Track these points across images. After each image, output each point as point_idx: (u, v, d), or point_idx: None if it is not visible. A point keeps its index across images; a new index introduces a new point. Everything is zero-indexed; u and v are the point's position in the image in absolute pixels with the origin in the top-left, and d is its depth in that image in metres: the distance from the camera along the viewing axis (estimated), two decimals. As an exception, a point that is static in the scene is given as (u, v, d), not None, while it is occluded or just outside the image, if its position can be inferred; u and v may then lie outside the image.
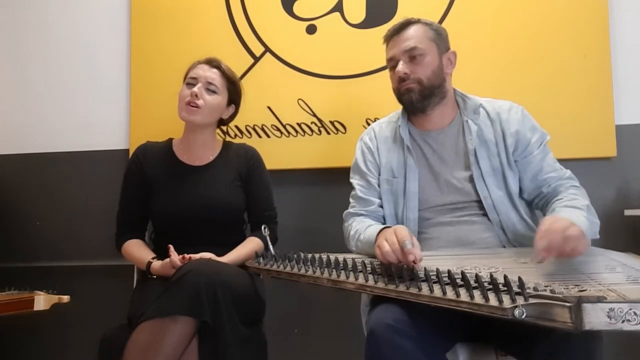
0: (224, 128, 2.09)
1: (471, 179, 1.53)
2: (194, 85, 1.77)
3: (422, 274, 1.10)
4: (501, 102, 1.62)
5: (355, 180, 1.68)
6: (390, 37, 1.61)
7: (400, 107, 1.68)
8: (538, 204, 1.56)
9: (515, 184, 1.54)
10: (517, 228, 1.50)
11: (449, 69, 1.61)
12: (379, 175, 1.64)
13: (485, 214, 1.52)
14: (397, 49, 1.57)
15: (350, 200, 1.69)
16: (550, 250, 1.13)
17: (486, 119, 1.59)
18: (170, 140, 1.89)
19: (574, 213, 1.33)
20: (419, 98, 1.55)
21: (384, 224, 1.59)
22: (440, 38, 1.60)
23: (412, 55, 1.55)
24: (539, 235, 1.15)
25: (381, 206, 1.62)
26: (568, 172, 1.55)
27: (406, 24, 1.59)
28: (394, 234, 1.24)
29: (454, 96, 1.64)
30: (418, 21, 1.60)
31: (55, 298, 1.80)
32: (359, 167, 1.68)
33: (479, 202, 1.52)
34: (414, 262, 1.16)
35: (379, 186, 1.63)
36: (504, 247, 1.48)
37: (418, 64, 1.55)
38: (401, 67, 1.55)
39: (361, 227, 1.53)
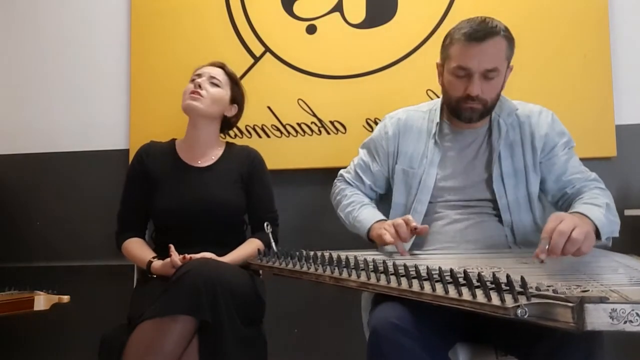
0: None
1: (489, 179, 1.53)
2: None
3: (424, 273, 1.10)
4: (532, 106, 1.61)
5: (361, 153, 1.73)
6: (469, 41, 1.42)
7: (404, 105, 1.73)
8: (562, 205, 1.54)
9: (536, 186, 1.54)
10: (527, 231, 1.50)
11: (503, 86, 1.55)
12: (394, 164, 1.63)
13: (496, 215, 1.52)
14: (477, 63, 1.42)
15: (351, 164, 1.75)
16: (554, 252, 1.14)
17: (515, 121, 1.57)
18: (173, 140, 1.90)
19: (591, 209, 1.33)
20: (478, 117, 1.50)
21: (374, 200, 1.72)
22: (510, 53, 1.49)
23: (489, 77, 1.44)
24: (543, 234, 1.16)
25: (372, 189, 1.69)
26: (593, 175, 1.54)
27: (491, 33, 1.42)
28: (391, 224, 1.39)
29: None
30: (500, 32, 1.44)
31: (55, 298, 1.80)
32: (369, 147, 1.71)
33: (493, 201, 1.52)
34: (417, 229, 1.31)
35: (386, 173, 1.66)
36: (510, 247, 1.48)
37: (490, 85, 1.45)
38: (476, 87, 1.43)
39: (356, 201, 1.63)
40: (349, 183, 1.72)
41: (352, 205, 1.62)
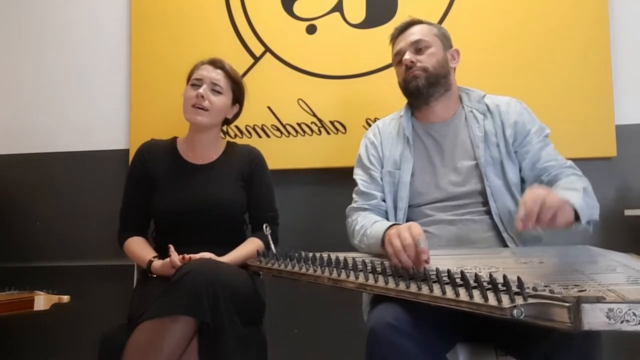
0: (224, 128, 2.09)
1: (472, 169, 1.55)
2: (199, 86, 1.77)
3: (422, 274, 1.10)
4: (501, 97, 1.66)
5: (358, 176, 1.70)
6: (396, 37, 1.69)
7: (402, 105, 1.71)
8: None
9: (514, 174, 1.55)
10: (513, 217, 1.49)
11: (453, 64, 1.66)
12: (382, 168, 1.65)
13: (486, 211, 1.52)
14: (403, 42, 1.64)
15: (354, 195, 1.69)
16: (529, 218, 1.12)
17: (486, 111, 1.62)
18: (174, 138, 1.90)
19: (568, 193, 1.31)
20: (425, 84, 1.58)
21: (388, 219, 1.60)
22: (444, 36, 1.67)
23: (418, 48, 1.61)
24: (520, 205, 1.15)
25: (384, 200, 1.63)
26: (569, 162, 1.55)
27: (411, 23, 1.67)
28: (408, 230, 1.23)
29: (457, 91, 1.68)
30: (422, 22, 1.67)
31: (55, 298, 1.81)
32: (362, 162, 1.70)
33: (479, 192, 1.53)
34: (425, 261, 1.16)
35: (381, 180, 1.64)
36: (503, 237, 1.48)
37: (424, 54, 1.61)
38: (407, 56, 1.60)
39: (367, 222, 1.53)
40: (359, 210, 1.64)
41: (363, 227, 1.52)
